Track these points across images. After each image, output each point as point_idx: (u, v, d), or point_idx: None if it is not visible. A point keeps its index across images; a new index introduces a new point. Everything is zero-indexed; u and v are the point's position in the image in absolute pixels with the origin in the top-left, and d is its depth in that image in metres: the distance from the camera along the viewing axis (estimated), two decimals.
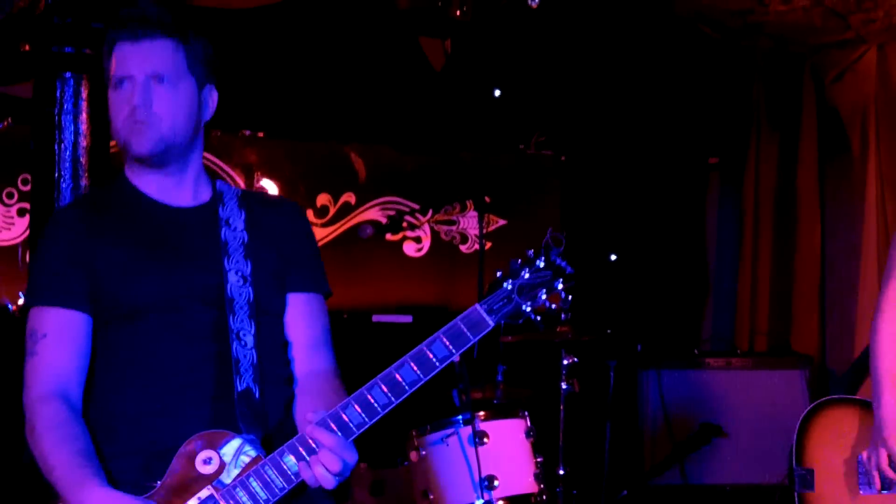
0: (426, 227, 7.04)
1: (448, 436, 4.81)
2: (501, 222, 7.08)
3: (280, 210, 2.97)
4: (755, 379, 6.55)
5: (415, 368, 2.61)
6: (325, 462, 2.54)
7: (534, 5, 5.71)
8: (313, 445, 2.56)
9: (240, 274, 2.77)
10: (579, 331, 5.58)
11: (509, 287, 2.66)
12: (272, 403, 2.77)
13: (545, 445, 5.12)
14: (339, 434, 2.57)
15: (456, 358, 4.43)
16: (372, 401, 2.59)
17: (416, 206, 6.99)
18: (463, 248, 7.04)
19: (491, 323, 2.65)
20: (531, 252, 2.70)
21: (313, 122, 6.80)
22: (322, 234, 6.80)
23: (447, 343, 2.63)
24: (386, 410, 2.61)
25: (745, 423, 6.47)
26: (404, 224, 6.93)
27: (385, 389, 2.60)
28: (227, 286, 2.75)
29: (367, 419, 2.60)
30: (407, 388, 2.61)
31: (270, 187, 6.73)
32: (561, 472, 5.42)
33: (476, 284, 6.27)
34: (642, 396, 6.54)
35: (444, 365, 2.63)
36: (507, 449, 4.86)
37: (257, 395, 2.71)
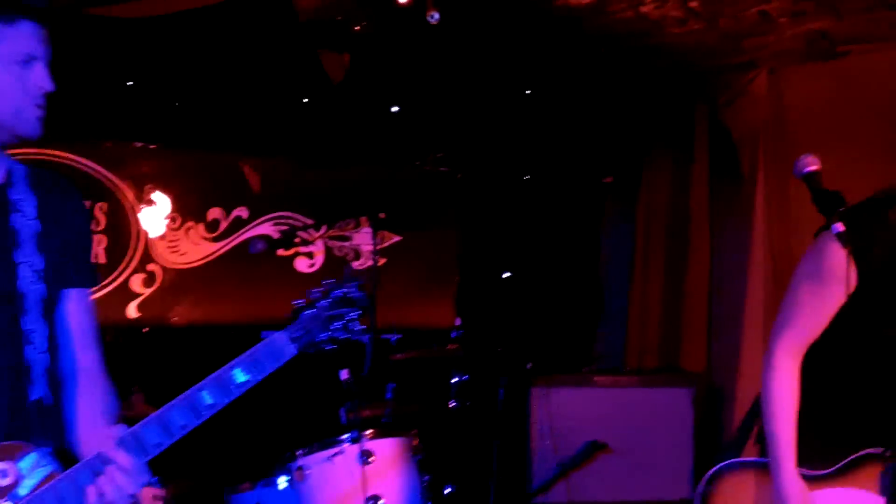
0: (319, 243, 6.97)
1: (334, 455, 4.78)
2: (396, 239, 7.06)
3: (66, 195, 2.84)
4: (643, 396, 6.60)
5: (214, 392, 2.60)
6: (119, 482, 2.51)
7: (433, 22, 5.71)
8: (108, 464, 2.52)
9: (32, 268, 2.66)
10: (470, 348, 5.58)
11: (308, 316, 2.69)
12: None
13: (433, 464, 5.11)
14: (136, 454, 2.54)
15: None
16: (169, 422, 2.57)
17: (310, 222, 6.92)
18: (356, 264, 6.99)
19: (291, 352, 2.68)
20: (332, 282, 2.73)
21: (208, 134, 6.70)
22: (212, 248, 6.69)
23: (246, 369, 2.63)
24: (184, 432, 2.59)
25: (632, 440, 6.52)
26: (297, 239, 6.87)
27: (183, 412, 2.58)
28: (17, 282, 2.62)
29: (164, 440, 2.58)
30: (204, 412, 2.60)
31: (162, 200, 6.62)
32: (447, 490, 5.41)
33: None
34: (531, 414, 6.54)
35: (243, 390, 2.63)
36: (393, 468, 4.84)
37: (52, 401, 2.65)
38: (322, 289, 2.73)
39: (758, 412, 3.64)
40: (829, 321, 3.40)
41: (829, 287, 3.25)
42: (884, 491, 3.39)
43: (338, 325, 2.71)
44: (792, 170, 3.19)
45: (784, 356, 3.46)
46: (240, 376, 2.61)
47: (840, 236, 2.97)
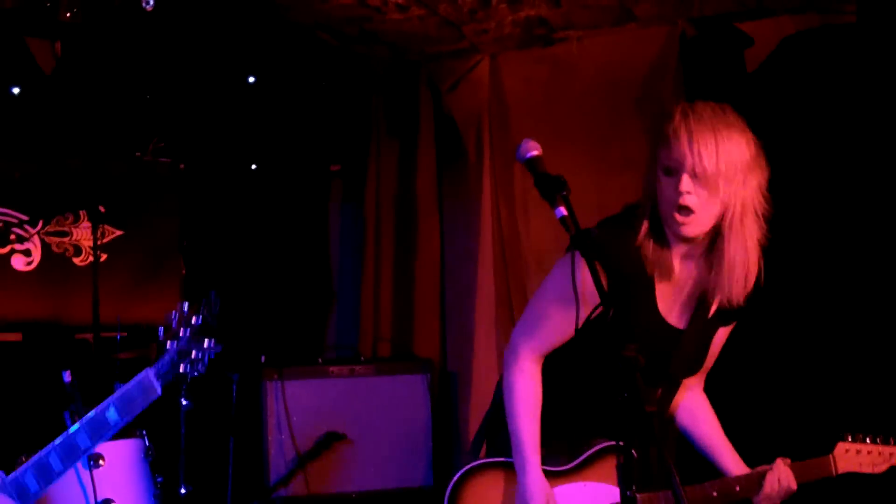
0: (36, 240, 6.66)
1: None
2: (118, 233, 6.81)
3: None
4: (378, 385, 6.62)
5: (89, 436, 2.72)
6: None
7: (149, 8, 5.52)
8: None
9: None
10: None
11: (173, 350, 2.63)
12: None
13: (166, 464, 4.98)
14: (18, 500, 2.58)
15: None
16: (49, 467, 2.66)
17: (25, 218, 6.61)
18: (76, 260, 6.71)
19: (158, 391, 2.73)
20: (186, 307, 2.68)
21: None
22: None
23: (120, 410, 2.71)
24: (61, 476, 2.70)
25: (369, 428, 6.54)
26: (12, 237, 6.55)
27: (60, 457, 2.67)
28: None
29: (44, 486, 2.68)
30: (80, 454, 2.70)
31: None
32: (183, 491, 5.30)
33: (91, 298, 6.02)
34: (266, 408, 6.44)
35: (117, 429, 2.72)
36: (123, 471, 4.71)
37: None
38: (179, 316, 2.63)
39: (494, 413, 3.67)
40: (573, 332, 3.43)
41: (574, 305, 3.18)
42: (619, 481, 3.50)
43: (197, 353, 2.62)
44: (515, 154, 3.19)
45: (528, 358, 3.51)
46: (113, 416, 2.68)
47: (563, 222, 2.91)
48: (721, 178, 3.17)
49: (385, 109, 7.54)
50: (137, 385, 2.58)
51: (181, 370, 2.67)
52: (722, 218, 3.26)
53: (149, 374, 2.57)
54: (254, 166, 7.40)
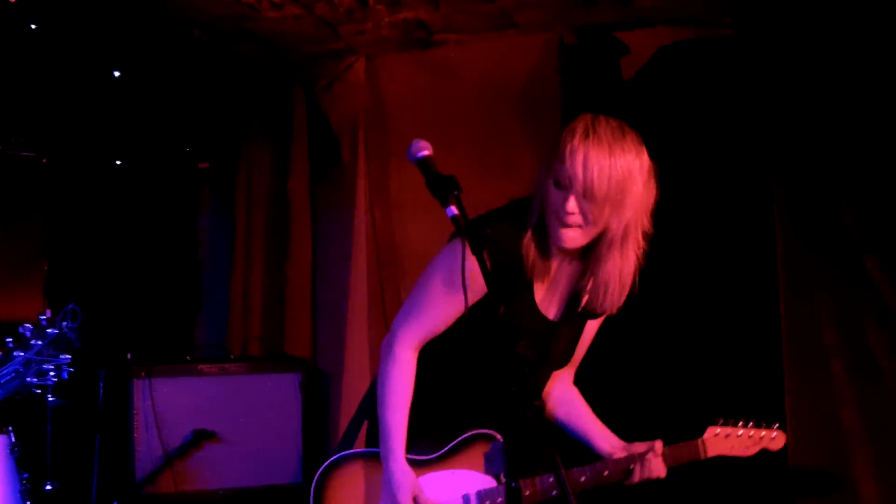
0: None
1: None
2: None
3: None
4: (250, 383, 6.58)
5: None
6: None
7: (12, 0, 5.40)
8: None
9: None
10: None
11: (20, 358, 2.41)
12: None
13: (32, 461, 4.86)
14: None
15: None
16: None
17: None
18: None
19: None
20: (45, 318, 2.47)
21: None
22: None
23: None
24: None
25: (239, 427, 6.49)
26: None
27: None
28: None
29: None
30: None
31: None
32: (49, 487, 5.20)
33: None
34: (133, 406, 6.33)
35: None
36: None
37: None
38: (35, 324, 2.41)
39: (368, 408, 3.67)
40: (453, 321, 3.49)
41: (459, 293, 3.25)
42: (489, 469, 3.55)
43: (49, 368, 2.40)
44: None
45: (406, 348, 3.52)
46: None
47: (455, 221, 2.92)
48: (609, 203, 3.25)
49: (257, 108, 7.47)
50: None
51: (25, 381, 2.47)
52: (604, 233, 3.34)
53: None
54: (118, 162, 7.25)
